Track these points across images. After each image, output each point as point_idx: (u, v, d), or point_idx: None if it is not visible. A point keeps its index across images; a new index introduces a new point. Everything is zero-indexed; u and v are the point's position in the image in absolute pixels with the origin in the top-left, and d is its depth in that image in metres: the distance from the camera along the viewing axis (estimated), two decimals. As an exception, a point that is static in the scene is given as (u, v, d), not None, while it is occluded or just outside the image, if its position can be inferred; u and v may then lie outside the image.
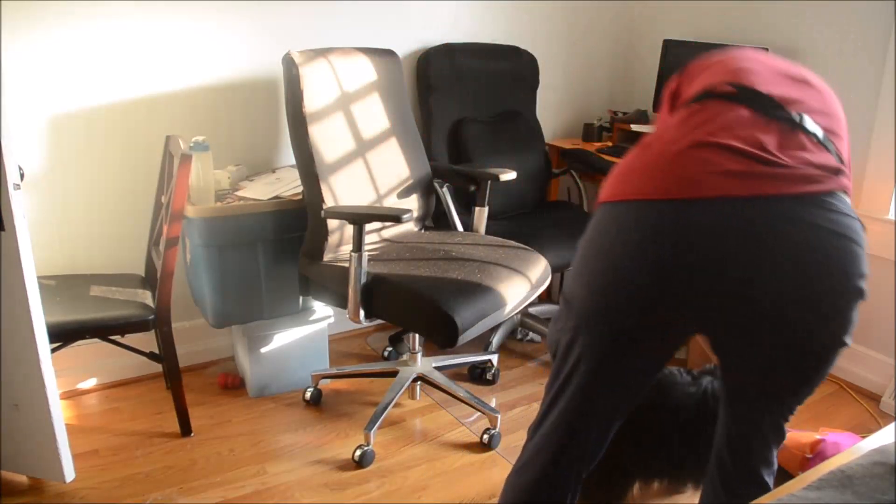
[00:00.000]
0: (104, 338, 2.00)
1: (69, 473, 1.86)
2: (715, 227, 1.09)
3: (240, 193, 2.28)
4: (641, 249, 1.14)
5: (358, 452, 2.08)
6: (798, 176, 1.10)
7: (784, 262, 1.09)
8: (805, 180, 1.11)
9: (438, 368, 2.40)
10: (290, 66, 2.07)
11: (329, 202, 2.11)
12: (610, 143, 3.04)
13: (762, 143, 1.12)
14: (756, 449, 1.31)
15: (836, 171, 1.13)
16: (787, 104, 1.17)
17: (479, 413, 2.36)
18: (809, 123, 1.15)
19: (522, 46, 2.97)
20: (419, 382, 2.37)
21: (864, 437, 1.62)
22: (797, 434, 2.09)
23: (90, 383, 2.44)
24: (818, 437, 2.01)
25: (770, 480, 1.32)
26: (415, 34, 2.73)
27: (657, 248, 1.13)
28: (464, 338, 1.86)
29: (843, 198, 1.14)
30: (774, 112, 1.16)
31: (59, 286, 2.12)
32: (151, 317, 2.01)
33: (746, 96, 1.17)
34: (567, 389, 1.30)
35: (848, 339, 1.16)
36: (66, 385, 2.38)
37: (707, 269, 1.11)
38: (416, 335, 2.36)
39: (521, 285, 2.05)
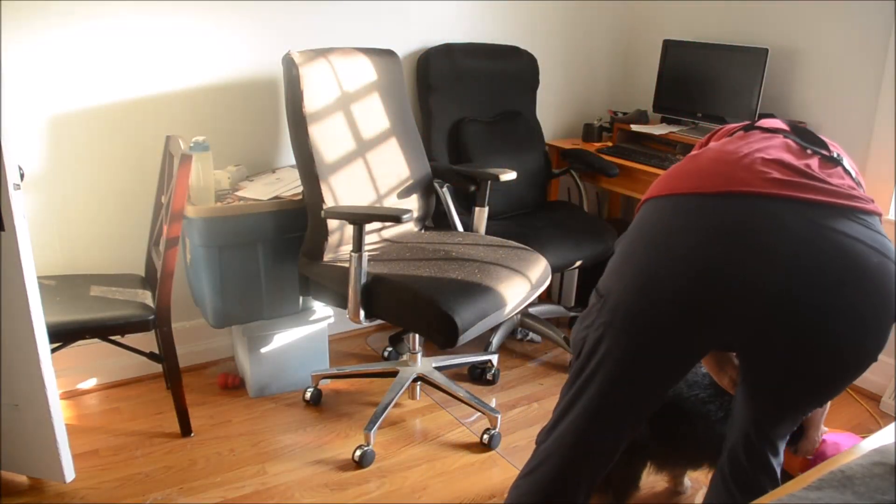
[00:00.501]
0: (104, 338, 2.00)
1: (69, 473, 1.86)
2: (759, 221, 1.12)
3: (240, 193, 2.28)
4: (689, 243, 1.15)
5: (358, 452, 2.08)
6: (842, 193, 1.15)
7: (825, 270, 1.10)
8: (848, 197, 1.16)
9: (438, 368, 2.40)
10: (290, 66, 2.07)
11: (329, 202, 2.11)
12: (610, 144, 3.04)
13: (808, 164, 1.19)
14: (770, 446, 1.32)
15: (872, 201, 1.20)
16: (825, 145, 1.27)
17: (479, 413, 2.36)
18: (846, 162, 1.25)
19: (522, 46, 2.97)
20: (419, 382, 2.37)
21: (864, 437, 1.61)
22: (797, 434, 2.09)
23: (90, 383, 2.44)
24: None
25: (778, 469, 1.34)
26: (415, 34, 2.73)
27: (704, 240, 1.14)
28: (464, 338, 1.86)
29: (879, 221, 1.19)
30: (815, 146, 1.25)
31: (59, 286, 2.12)
32: (151, 317, 2.01)
33: (790, 129, 1.30)
34: (588, 389, 1.28)
35: (879, 355, 1.18)
36: (66, 385, 2.38)
37: (751, 268, 1.12)
38: (416, 335, 2.36)
39: (521, 285, 2.05)
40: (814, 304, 1.11)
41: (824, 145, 1.28)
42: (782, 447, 1.34)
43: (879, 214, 1.19)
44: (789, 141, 1.27)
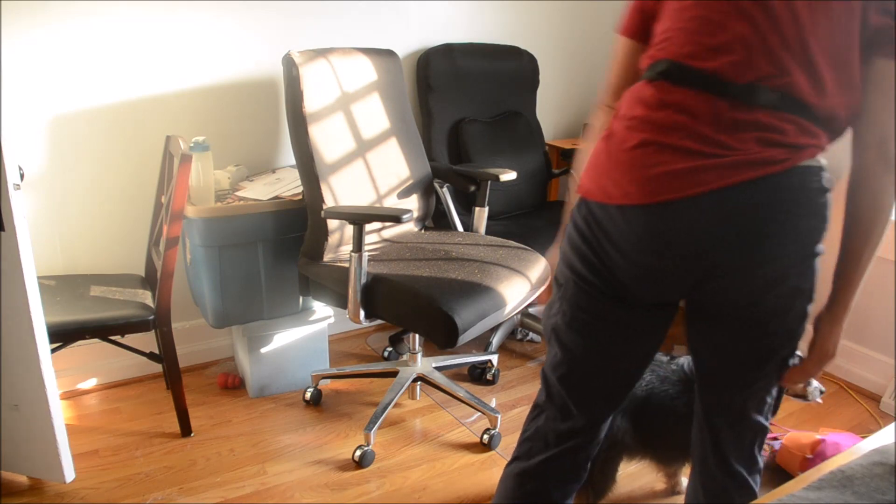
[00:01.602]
0: (104, 338, 2.00)
1: (69, 474, 1.86)
2: (670, 229, 1.09)
3: (240, 193, 2.28)
4: (621, 249, 1.15)
5: (358, 452, 2.08)
6: (744, 162, 1.04)
7: (744, 252, 1.09)
8: (751, 165, 1.04)
9: (438, 368, 2.40)
10: (290, 66, 2.07)
11: (329, 202, 2.11)
12: (610, 144, 3.04)
13: (703, 134, 1.05)
14: (734, 444, 1.29)
15: (794, 146, 1.05)
16: (737, 73, 1.05)
17: (479, 413, 2.36)
18: (764, 95, 1.04)
19: (522, 46, 2.97)
20: (419, 382, 2.37)
21: (864, 437, 1.62)
22: (797, 434, 2.09)
23: (90, 383, 2.44)
24: (818, 437, 2.01)
25: (754, 481, 1.30)
26: (415, 34, 2.73)
27: (631, 248, 1.14)
28: (464, 338, 1.86)
29: (808, 166, 1.07)
30: (720, 90, 1.05)
31: (59, 286, 2.12)
32: (151, 317, 2.01)
33: (685, 77, 1.08)
34: (558, 371, 1.32)
35: (808, 307, 1.19)
36: (66, 385, 2.38)
37: (680, 268, 1.13)
38: (416, 335, 2.36)
39: (521, 285, 2.05)
40: (733, 287, 1.13)
41: (731, 83, 1.06)
42: (752, 452, 1.31)
43: (812, 155, 1.08)
44: (690, 96, 1.07)
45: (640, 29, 1.23)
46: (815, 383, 1.73)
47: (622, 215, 1.11)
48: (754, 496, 1.28)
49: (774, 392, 1.28)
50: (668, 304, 1.24)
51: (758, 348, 1.20)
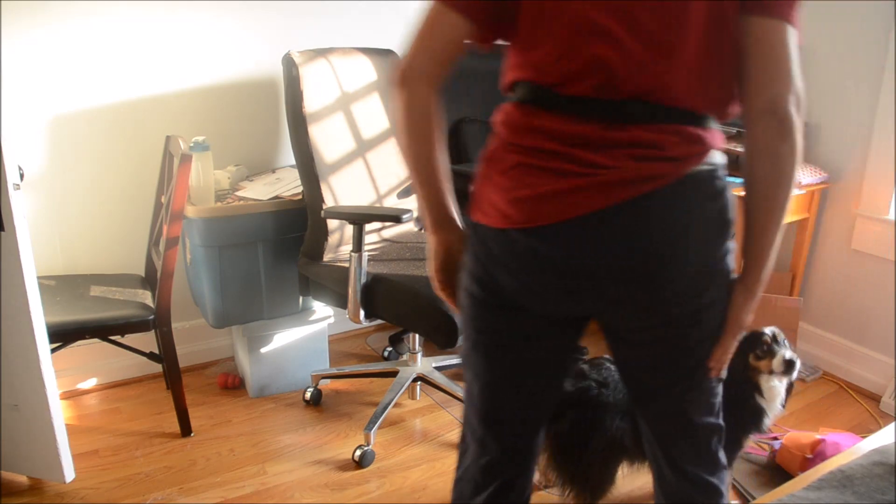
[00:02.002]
0: (104, 338, 2.00)
1: (69, 473, 1.86)
2: (552, 253, 1.02)
3: (240, 193, 2.28)
4: (512, 273, 1.08)
5: (358, 452, 2.08)
6: (622, 180, 0.97)
7: (639, 277, 1.02)
8: (631, 183, 0.98)
9: (438, 368, 2.40)
10: (290, 66, 2.07)
11: (329, 202, 2.10)
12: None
13: (575, 156, 0.99)
14: (687, 451, 1.22)
15: (676, 159, 0.98)
16: (606, 93, 0.98)
17: (479, 413, 2.36)
18: (638, 110, 0.98)
19: (522, 46, 2.97)
20: (419, 382, 2.37)
21: (864, 437, 1.62)
22: (797, 434, 2.09)
23: (90, 383, 2.44)
24: (818, 437, 2.01)
25: (719, 480, 1.22)
26: (415, 34, 2.73)
27: (511, 275, 1.08)
28: (464, 338, 1.85)
29: (698, 173, 1.01)
30: (590, 113, 0.99)
31: (59, 286, 2.12)
32: (151, 317, 2.01)
33: (551, 103, 1.02)
34: (470, 400, 1.25)
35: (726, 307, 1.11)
36: (66, 385, 2.38)
37: (570, 290, 1.06)
38: (416, 335, 2.36)
39: (521, 285, 2.05)
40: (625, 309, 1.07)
41: (596, 100, 0.99)
42: (707, 453, 1.22)
43: (700, 162, 1.00)
44: (557, 120, 1.01)
45: (481, 12, 1.05)
46: (790, 358, 1.63)
47: (506, 238, 1.05)
48: (720, 494, 1.22)
49: (720, 389, 1.21)
50: (571, 320, 1.17)
51: (682, 363, 1.14)
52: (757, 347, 1.64)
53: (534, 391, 1.23)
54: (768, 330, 1.66)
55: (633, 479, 2.06)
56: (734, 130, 2.77)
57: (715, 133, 1.04)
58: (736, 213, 1.08)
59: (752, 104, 0.99)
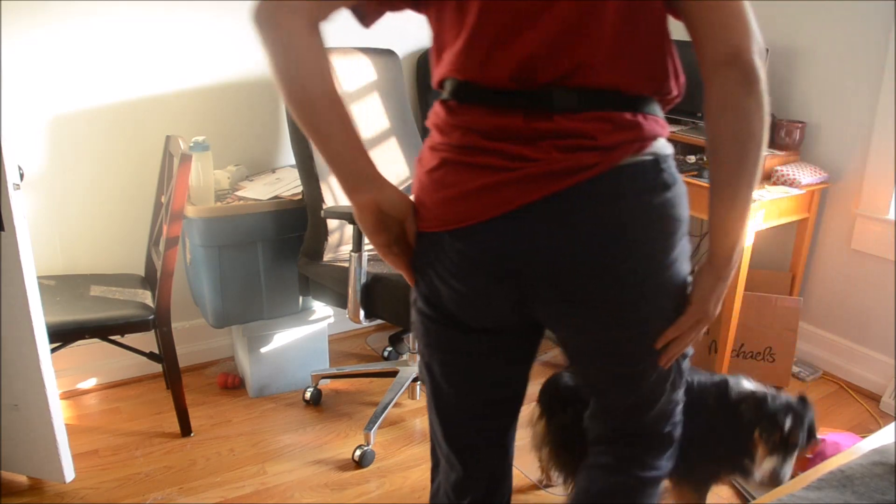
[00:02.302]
0: (104, 338, 2.00)
1: (69, 473, 1.86)
2: (482, 253, 0.96)
3: (240, 193, 2.28)
4: (444, 279, 1.03)
5: (358, 452, 2.08)
6: (548, 172, 0.91)
7: (573, 278, 0.95)
8: (557, 176, 0.91)
9: (438, 368, 2.40)
10: (290, 66, 2.07)
11: (329, 202, 2.10)
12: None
13: (499, 150, 0.93)
14: (651, 454, 1.18)
15: (606, 148, 0.91)
16: (524, 82, 0.92)
17: (479, 413, 2.36)
18: (560, 98, 0.91)
19: (522, 46, 2.97)
20: (419, 382, 2.37)
21: (864, 437, 1.62)
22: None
23: (90, 383, 2.44)
24: (818, 437, 2.01)
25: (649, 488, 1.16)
26: (415, 34, 2.72)
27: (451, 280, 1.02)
28: (464, 338, 1.85)
29: (634, 164, 0.93)
30: (510, 103, 0.93)
31: (59, 286, 2.12)
32: (151, 317, 2.01)
33: (472, 96, 0.96)
34: (431, 416, 1.21)
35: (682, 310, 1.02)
36: (66, 385, 2.38)
37: (502, 295, 1.00)
38: (416, 335, 2.36)
39: (521, 285, 2.05)
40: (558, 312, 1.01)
41: (518, 93, 0.93)
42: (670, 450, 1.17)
43: (633, 151, 0.93)
44: (479, 113, 0.96)
45: None
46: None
47: (438, 242, 0.99)
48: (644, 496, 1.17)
49: (678, 397, 1.16)
50: (520, 330, 1.10)
51: (626, 374, 1.08)
52: (767, 425, 1.54)
53: (489, 412, 1.17)
54: (786, 403, 1.56)
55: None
56: (734, 130, 2.77)
57: (657, 120, 0.96)
58: (688, 211, 0.99)
59: (710, 58, 0.90)
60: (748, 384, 1.63)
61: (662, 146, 0.96)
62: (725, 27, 0.88)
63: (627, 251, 0.93)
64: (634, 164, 0.92)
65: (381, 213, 0.98)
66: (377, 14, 1.07)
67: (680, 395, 1.17)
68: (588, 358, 1.10)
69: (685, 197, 0.98)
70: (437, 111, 1.01)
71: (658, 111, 0.97)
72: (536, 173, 0.91)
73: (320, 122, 0.92)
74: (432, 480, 1.28)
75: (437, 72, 1.02)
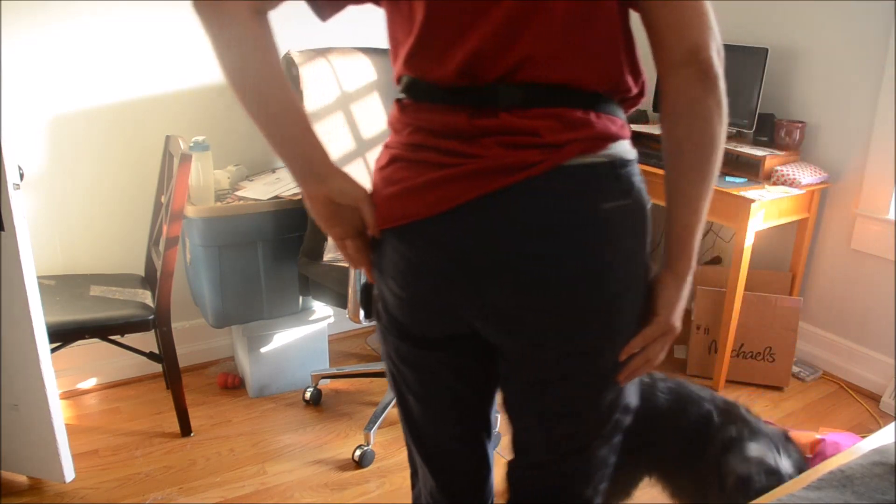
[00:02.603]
0: (104, 338, 2.00)
1: (69, 473, 1.86)
2: (422, 253, 0.92)
3: (240, 193, 2.28)
4: (387, 284, 1.00)
5: (358, 452, 2.08)
6: (491, 168, 0.86)
7: (515, 284, 0.89)
8: (499, 172, 0.86)
9: (438, 368, 2.40)
10: (289, 65, 2.07)
11: (329, 202, 2.10)
12: (610, 143, 3.03)
13: (445, 148, 0.89)
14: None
15: (551, 145, 0.86)
16: (470, 77, 0.88)
17: (478, 413, 2.36)
18: (506, 94, 0.87)
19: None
20: (419, 382, 2.37)
21: (863, 437, 1.62)
22: (797, 434, 2.09)
23: (90, 383, 2.44)
24: (818, 437, 2.01)
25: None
26: (415, 34, 2.73)
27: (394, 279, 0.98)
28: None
29: (583, 165, 0.87)
30: (456, 99, 0.90)
31: (59, 286, 2.12)
32: (151, 317, 2.01)
33: (420, 93, 0.94)
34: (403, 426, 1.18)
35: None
36: (66, 385, 2.38)
37: (442, 299, 0.95)
38: (416, 335, 2.35)
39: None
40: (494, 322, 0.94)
41: (462, 91, 0.90)
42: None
43: (579, 151, 0.87)
44: (435, 111, 0.92)
45: None
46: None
47: (383, 240, 0.96)
48: None
49: (611, 460, 1.07)
50: (472, 350, 1.02)
51: (565, 410, 0.99)
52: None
53: (455, 420, 1.11)
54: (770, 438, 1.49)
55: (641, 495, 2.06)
56: (734, 130, 2.78)
57: (613, 120, 0.90)
58: (648, 226, 0.92)
59: (667, 57, 0.86)
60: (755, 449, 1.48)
61: (622, 150, 0.90)
62: (683, 24, 0.84)
63: (568, 256, 0.87)
64: (585, 165, 0.87)
65: (333, 204, 0.94)
66: (334, 8, 1.03)
67: (611, 458, 1.07)
68: (520, 390, 1.01)
69: (645, 211, 0.91)
70: (392, 110, 0.99)
71: (616, 111, 0.92)
72: (477, 170, 0.86)
73: (265, 112, 0.93)
74: (413, 486, 1.25)
75: (395, 70, 0.99)
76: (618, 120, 0.91)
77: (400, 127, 0.95)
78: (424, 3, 0.88)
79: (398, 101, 0.97)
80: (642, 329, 0.94)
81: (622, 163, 0.89)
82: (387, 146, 0.97)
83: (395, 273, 0.96)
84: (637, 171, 0.92)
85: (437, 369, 1.05)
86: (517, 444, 1.10)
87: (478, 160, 0.86)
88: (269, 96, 0.92)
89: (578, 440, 1.02)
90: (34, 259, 1.68)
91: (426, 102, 0.92)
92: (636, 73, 0.93)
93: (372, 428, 2.12)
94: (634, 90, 0.93)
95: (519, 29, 0.85)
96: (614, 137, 0.89)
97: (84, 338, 1.96)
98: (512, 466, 1.12)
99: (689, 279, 0.95)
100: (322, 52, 2.18)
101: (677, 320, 0.96)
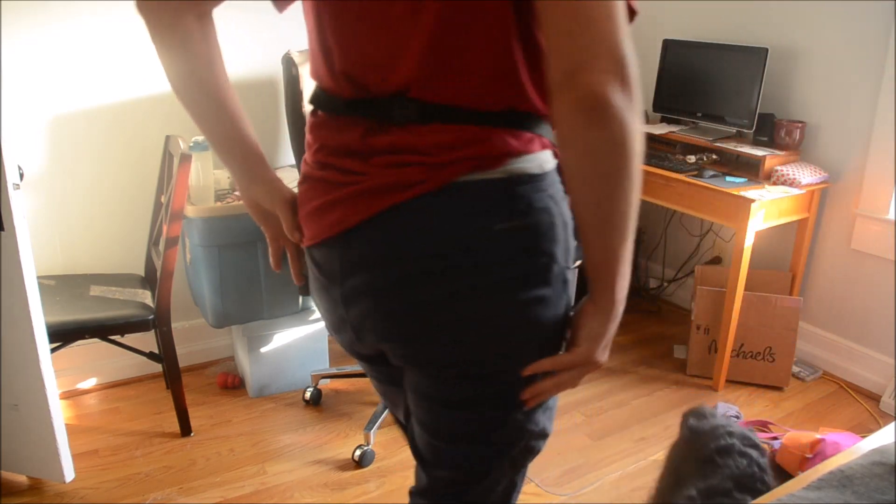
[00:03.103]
0: (104, 338, 2.00)
1: (69, 473, 1.86)
2: (323, 274, 0.92)
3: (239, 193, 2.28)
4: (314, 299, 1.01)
5: (358, 452, 2.08)
6: (375, 188, 0.82)
7: (398, 317, 0.86)
8: (381, 192, 0.81)
9: (438, 368, 2.40)
10: (289, 65, 2.07)
11: (329, 202, 2.10)
12: (610, 143, 3.03)
13: (342, 166, 0.86)
14: None
15: (437, 165, 0.80)
16: (365, 91, 0.84)
17: (478, 413, 2.36)
18: (399, 110, 0.81)
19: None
20: (419, 382, 2.37)
21: (863, 437, 1.62)
22: (797, 434, 2.09)
23: (90, 383, 2.44)
24: (818, 436, 2.01)
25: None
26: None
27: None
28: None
29: (472, 182, 0.80)
30: (353, 114, 0.86)
31: (59, 286, 2.12)
32: (151, 317, 2.01)
33: (323, 105, 0.90)
34: None
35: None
36: (66, 385, 2.38)
37: (346, 322, 0.93)
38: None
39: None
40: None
41: (360, 102, 0.85)
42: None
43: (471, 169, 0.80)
44: (333, 126, 0.89)
45: None
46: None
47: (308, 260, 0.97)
48: None
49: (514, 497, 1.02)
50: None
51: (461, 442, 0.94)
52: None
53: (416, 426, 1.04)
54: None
55: (632, 478, 2.06)
56: (734, 130, 2.78)
57: (519, 135, 0.82)
58: (555, 245, 0.85)
59: (549, 77, 0.73)
60: None
61: (524, 165, 0.81)
62: (567, 36, 0.70)
63: (452, 280, 0.81)
64: (473, 184, 0.79)
65: (259, 206, 0.99)
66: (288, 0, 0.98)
67: (514, 487, 1.01)
68: (422, 416, 0.97)
69: (553, 229, 0.83)
70: (308, 122, 0.95)
71: (527, 123, 0.83)
72: (363, 190, 0.82)
73: (198, 112, 0.93)
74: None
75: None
76: (525, 134, 0.82)
77: (310, 142, 0.93)
78: (319, 6, 0.84)
79: (311, 112, 0.93)
80: (556, 353, 0.88)
81: (521, 179, 0.81)
82: (304, 161, 0.95)
83: (313, 288, 0.97)
84: (546, 186, 0.83)
85: (374, 374, 1.08)
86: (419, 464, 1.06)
87: (364, 179, 0.82)
88: (201, 97, 0.92)
89: (481, 464, 0.96)
90: (34, 259, 1.69)
91: (328, 114, 0.89)
92: (540, 88, 0.82)
93: (372, 428, 2.12)
94: (539, 105, 0.83)
95: (406, 45, 0.79)
96: (514, 153, 0.81)
97: (84, 338, 1.96)
98: (412, 493, 1.09)
99: (616, 313, 0.85)
100: (322, 52, 2.18)
101: (600, 354, 0.87)
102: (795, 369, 2.67)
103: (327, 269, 0.90)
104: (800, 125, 2.57)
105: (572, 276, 0.91)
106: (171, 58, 0.89)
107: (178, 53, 0.88)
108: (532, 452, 0.97)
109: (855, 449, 1.35)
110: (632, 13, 0.76)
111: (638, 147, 0.73)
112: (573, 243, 0.89)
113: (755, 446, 1.43)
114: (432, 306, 0.83)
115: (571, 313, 0.90)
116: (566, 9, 0.69)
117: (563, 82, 0.71)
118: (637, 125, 0.72)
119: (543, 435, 0.97)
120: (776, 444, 2.12)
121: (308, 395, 2.40)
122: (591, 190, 0.76)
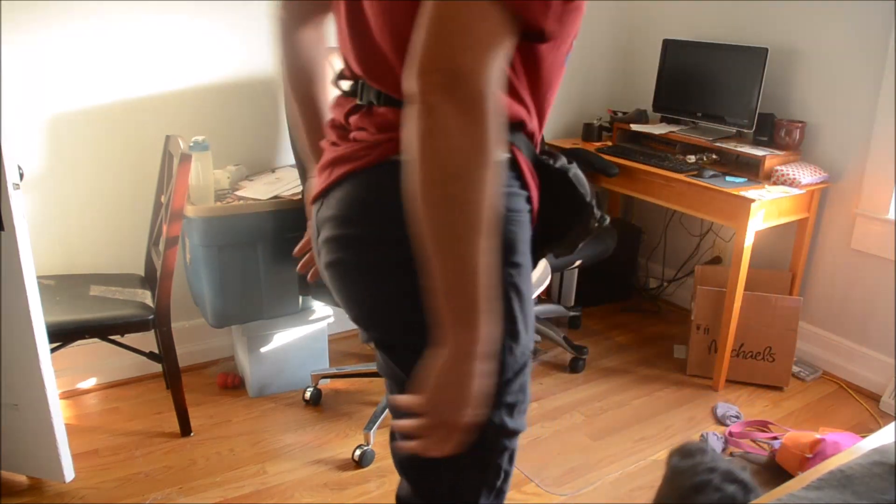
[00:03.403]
0: (104, 338, 2.00)
1: (69, 473, 1.86)
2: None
3: (239, 193, 2.28)
4: None
5: (358, 452, 2.08)
6: (342, 156, 0.94)
7: (337, 278, 0.96)
8: (343, 160, 0.93)
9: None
10: (289, 65, 2.07)
11: (329, 202, 2.10)
12: (610, 143, 3.04)
13: (331, 136, 1.01)
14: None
15: (373, 143, 0.89)
16: (349, 73, 0.98)
17: (478, 413, 2.36)
18: (366, 93, 0.91)
19: (522, 46, 2.97)
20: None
21: (863, 437, 1.62)
22: (797, 434, 2.10)
23: (90, 383, 2.44)
24: (818, 436, 2.01)
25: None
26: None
27: None
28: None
29: (386, 165, 0.86)
30: (345, 92, 0.99)
31: (59, 286, 2.12)
32: (151, 317, 2.01)
33: (336, 84, 1.03)
34: None
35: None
36: (66, 385, 2.38)
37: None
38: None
39: (520, 285, 2.05)
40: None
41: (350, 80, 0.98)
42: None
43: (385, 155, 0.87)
44: (338, 99, 1.02)
45: None
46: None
47: None
48: None
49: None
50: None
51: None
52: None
53: None
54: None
55: (632, 478, 2.06)
56: (734, 130, 2.78)
57: None
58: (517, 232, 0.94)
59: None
60: None
61: None
62: (417, 43, 0.71)
63: (358, 248, 0.90)
64: (398, 163, 0.81)
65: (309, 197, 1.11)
66: None
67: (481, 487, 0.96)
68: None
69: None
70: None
71: None
72: (335, 158, 0.95)
73: (296, 118, 1.14)
74: None
75: None
76: None
77: (329, 117, 1.06)
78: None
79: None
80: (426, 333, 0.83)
81: None
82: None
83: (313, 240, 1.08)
84: None
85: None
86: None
87: (339, 151, 0.95)
88: (289, 106, 1.15)
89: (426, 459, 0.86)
90: (34, 259, 1.68)
91: (339, 94, 1.02)
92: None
93: (372, 428, 2.12)
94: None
95: (351, 42, 0.93)
96: None
97: (84, 338, 1.96)
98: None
99: (467, 364, 0.75)
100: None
101: (452, 412, 0.76)
102: (795, 369, 2.67)
103: (314, 223, 1.01)
104: (800, 125, 2.57)
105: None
106: (283, 65, 1.12)
107: (284, 63, 1.12)
108: (496, 450, 0.92)
109: (855, 449, 1.36)
110: (538, 31, 0.75)
111: (466, 169, 0.69)
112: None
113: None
114: (343, 268, 0.93)
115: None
116: (425, 5, 0.72)
117: (407, 93, 0.73)
118: (467, 149, 0.69)
119: (506, 431, 0.92)
120: (776, 443, 2.12)
121: (308, 394, 2.40)
122: (417, 202, 0.74)
